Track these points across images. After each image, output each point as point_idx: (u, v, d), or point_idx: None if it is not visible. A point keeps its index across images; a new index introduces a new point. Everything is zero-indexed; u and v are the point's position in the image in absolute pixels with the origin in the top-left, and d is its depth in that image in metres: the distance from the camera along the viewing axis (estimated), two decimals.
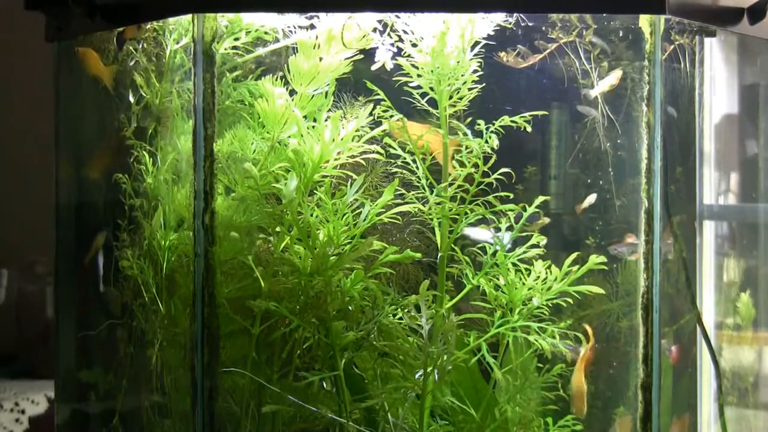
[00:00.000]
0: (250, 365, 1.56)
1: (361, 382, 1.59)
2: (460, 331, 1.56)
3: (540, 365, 1.61)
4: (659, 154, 1.51)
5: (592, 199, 1.64)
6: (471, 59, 1.54)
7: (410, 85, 1.54)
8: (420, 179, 1.56)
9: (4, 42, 3.65)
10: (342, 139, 1.54)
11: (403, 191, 1.56)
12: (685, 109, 1.77)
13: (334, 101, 1.57)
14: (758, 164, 2.09)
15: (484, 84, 1.55)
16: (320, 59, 1.55)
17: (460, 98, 1.55)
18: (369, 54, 1.56)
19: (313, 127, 1.54)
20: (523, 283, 1.56)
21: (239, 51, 1.60)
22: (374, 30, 1.54)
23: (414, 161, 1.56)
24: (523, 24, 1.56)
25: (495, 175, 1.53)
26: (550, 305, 1.57)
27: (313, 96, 1.57)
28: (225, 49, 1.58)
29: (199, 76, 1.50)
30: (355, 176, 1.55)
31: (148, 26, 1.68)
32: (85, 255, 1.91)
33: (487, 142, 1.54)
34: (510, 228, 1.55)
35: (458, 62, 1.54)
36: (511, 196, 1.54)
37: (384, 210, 1.54)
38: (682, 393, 1.83)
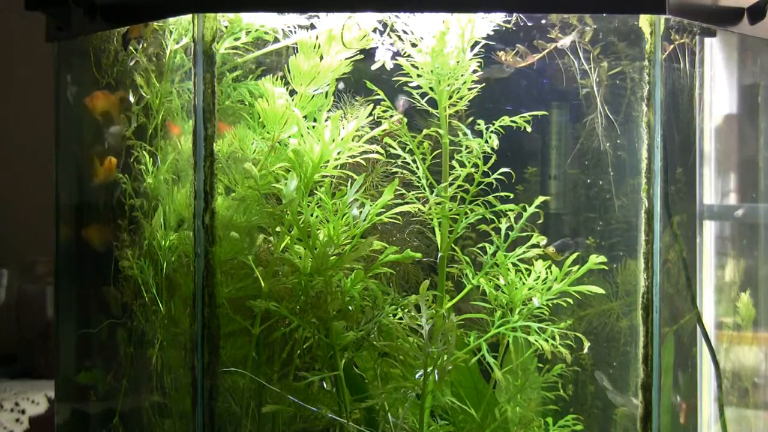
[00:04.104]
0: (250, 365, 1.56)
1: (361, 382, 1.59)
2: (460, 331, 1.56)
3: (540, 365, 1.61)
4: (659, 154, 1.51)
5: (553, 248, 1.64)
6: (471, 59, 1.54)
7: (410, 85, 1.54)
8: (420, 179, 1.56)
9: (4, 42, 3.65)
10: (342, 139, 1.54)
11: (404, 191, 1.56)
12: (685, 109, 1.77)
13: (334, 101, 1.57)
14: (758, 164, 2.08)
15: (483, 84, 1.55)
16: (320, 59, 1.55)
17: (460, 98, 1.55)
18: (369, 54, 1.56)
19: (314, 127, 1.54)
20: (523, 283, 1.56)
21: (239, 51, 1.60)
22: (374, 30, 1.54)
23: (414, 161, 1.56)
24: (522, 24, 1.56)
25: (495, 175, 1.53)
26: (551, 305, 1.57)
27: (314, 96, 1.57)
28: (225, 49, 1.58)
29: (199, 76, 1.50)
30: (355, 176, 1.55)
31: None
32: (85, 255, 1.91)
33: (487, 142, 1.54)
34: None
35: (458, 62, 1.54)
36: (512, 196, 1.54)
37: (384, 210, 1.54)
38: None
